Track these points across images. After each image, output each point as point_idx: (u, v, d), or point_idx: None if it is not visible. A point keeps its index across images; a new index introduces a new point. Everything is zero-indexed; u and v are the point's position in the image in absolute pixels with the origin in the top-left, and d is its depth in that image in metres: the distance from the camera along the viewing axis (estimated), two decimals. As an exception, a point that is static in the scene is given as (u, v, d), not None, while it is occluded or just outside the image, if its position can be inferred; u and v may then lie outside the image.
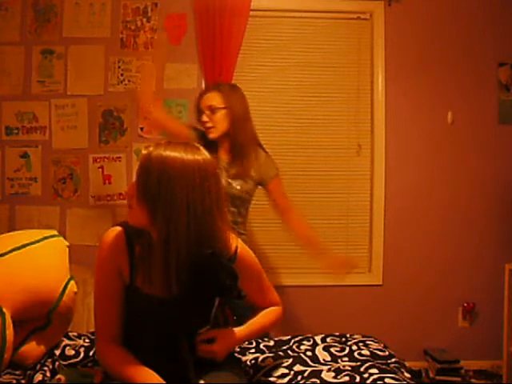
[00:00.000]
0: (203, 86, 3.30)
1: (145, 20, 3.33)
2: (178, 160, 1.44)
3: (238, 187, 2.49)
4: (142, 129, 3.33)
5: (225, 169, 2.51)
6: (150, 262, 1.49)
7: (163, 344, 1.51)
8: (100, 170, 3.33)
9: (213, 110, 2.49)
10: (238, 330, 1.63)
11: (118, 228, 1.56)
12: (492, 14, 3.40)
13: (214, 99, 2.50)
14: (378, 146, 3.41)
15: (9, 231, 2.20)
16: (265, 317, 1.71)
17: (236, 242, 1.62)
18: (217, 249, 1.49)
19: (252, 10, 3.24)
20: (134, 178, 1.50)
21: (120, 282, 1.53)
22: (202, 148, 1.52)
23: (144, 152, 1.47)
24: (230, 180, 2.49)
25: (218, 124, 2.49)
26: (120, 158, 3.33)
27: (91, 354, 1.83)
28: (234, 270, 1.50)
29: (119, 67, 3.32)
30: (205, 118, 2.50)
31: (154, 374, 1.44)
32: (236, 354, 1.78)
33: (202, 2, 3.23)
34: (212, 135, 2.51)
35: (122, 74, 3.32)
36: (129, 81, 3.32)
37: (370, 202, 3.45)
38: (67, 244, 1.99)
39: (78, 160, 3.33)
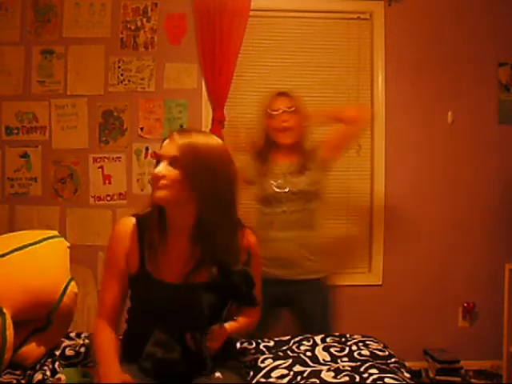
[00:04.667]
0: (203, 85, 3.31)
1: (145, 20, 3.33)
2: (218, 145, 1.61)
3: (306, 181, 2.50)
4: (141, 129, 3.34)
5: (283, 173, 2.51)
6: (166, 249, 1.59)
7: (176, 333, 1.54)
8: (100, 170, 3.33)
9: (294, 111, 2.49)
10: (229, 326, 1.68)
11: (131, 218, 1.66)
12: (492, 14, 3.40)
13: (291, 102, 2.52)
14: (377, 145, 3.41)
15: (9, 231, 2.20)
16: (248, 319, 1.76)
17: (247, 236, 1.68)
18: (234, 242, 1.59)
19: (252, 10, 3.25)
20: (169, 161, 1.56)
21: (126, 267, 1.62)
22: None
23: (181, 140, 1.56)
24: (293, 179, 2.49)
25: (296, 126, 2.50)
26: (120, 158, 3.33)
27: (91, 353, 1.83)
28: (250, 275, 1.56)
29: (119, 67, 3.32)
30: (285, 117, 2.48)
31: (119, 369, 1.48)
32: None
33: (202, 2, 3.23)
34: (287, 140, 2.50)
35: (122, 74, 3.32)
36: (129, 81, 3.33)
37: (370, 202, 3.45)
38: (68, 245, 1.99)
39: (78, 160, 3.33)
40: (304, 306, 2.48)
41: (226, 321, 1.63)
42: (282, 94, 2.59)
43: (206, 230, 1.56)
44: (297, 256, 2.45)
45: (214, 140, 1.62)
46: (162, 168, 1.56)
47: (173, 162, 1.56)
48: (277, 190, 2.47)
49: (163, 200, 1.58)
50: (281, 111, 2.50)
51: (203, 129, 3.32)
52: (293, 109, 2.50)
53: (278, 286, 2.34)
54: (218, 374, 1.50)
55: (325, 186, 2.59)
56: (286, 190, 2.47)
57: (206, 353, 1.52)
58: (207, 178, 1.55)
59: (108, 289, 1.64)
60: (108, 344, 1.57)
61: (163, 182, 1.55)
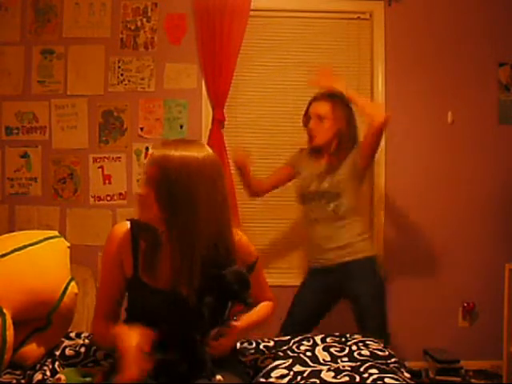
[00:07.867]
0: (203, 85, 3.31)
1: (145, 20, 3.33)
2: (197, 159, 1.49)
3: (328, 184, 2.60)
4: (141, 129, 3.34)
5: (317, 175, 2.62)
6: (159, 257, 1.56)
7: (176, 338, 1.53)
8: (100, 169, 3.33)
9: (321, 118, 2.57)
10: (239, 325, 1.67)
11: (126, 223, 1.65)
12: (492, 13, 3.40)
13: (323, 108, 2.57)
14: (377, 145, 3.40)
15: (9, 231, 2.20)
16: (260, 312, 1.77)
17: (238, 235, 1.66)
18: (229, 245, 1.55)
19: (252, 10, 3.25)
20: (145, 179, 1.53)
21: (120, 272, 1.62)
22: (205, 144, 1.59)
23: (156, 153, 1.51)
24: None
25: (322, 133, 2.58)
26: (120, 158, 3.33)
27: (91, 353, 1.84)
28: (245, 275, 1.54)
29: (119, 67, 3.33)
30: (311, 125, 2.59)
31: (134, 333, 1.45)
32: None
33: (202, 2, 3.23)
34: (314, 142, 2.61)
35: (122, 74, 3.33)
36: (129, 81, 3.33)
37: (370, 202, 3.45)
38: (68, 245, 1.99)
39: (78, 160, 3.33)
40: (355, 293, 2.62)
41: (226, 323, 1.61)
42: (319, 97, 2.62)
43: (181, 248, 1.50)
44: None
45: (202, 152, 1.51)
46: (141, 187, 1.55)
47: (147, 180, 1.52)
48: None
49: (142, 219, 1.57)
50: (313, 118, 2.59)
51: (203, 129, 3.33)
52: (324, 116, 2.56)
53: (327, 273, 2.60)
54: (219, 377, 1.50)
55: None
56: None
57: (205, 356, 1.51)
58: (182, 200, 1.47)
59: (104, 293, 1.66)
60: (111, 327, 1.55)
61: (140, 201, 1.55)
